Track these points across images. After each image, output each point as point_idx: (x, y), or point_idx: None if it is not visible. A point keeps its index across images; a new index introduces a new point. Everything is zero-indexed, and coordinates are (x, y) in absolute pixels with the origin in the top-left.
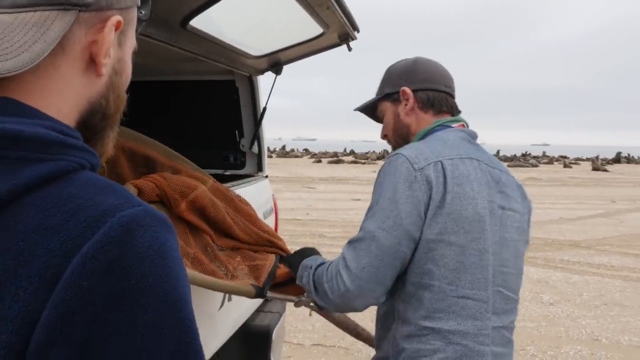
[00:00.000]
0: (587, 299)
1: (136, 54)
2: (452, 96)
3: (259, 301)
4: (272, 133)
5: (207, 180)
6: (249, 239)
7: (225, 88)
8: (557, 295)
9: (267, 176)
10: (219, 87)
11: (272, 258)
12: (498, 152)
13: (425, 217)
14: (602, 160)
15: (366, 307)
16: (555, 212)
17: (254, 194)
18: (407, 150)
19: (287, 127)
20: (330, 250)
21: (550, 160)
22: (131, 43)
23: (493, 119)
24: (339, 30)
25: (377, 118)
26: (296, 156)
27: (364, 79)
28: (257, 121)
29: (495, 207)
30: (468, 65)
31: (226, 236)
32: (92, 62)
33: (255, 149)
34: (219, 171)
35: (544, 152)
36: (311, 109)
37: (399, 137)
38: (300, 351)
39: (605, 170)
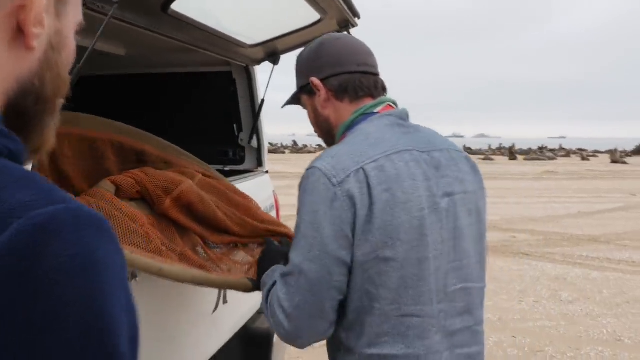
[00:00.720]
0: (608, 296)
1: (125, 45)
2: (372, 74)
3: (260, 303)
4: (286, 129)
5: (195, 174)
6: (244, 232)
7: (222, 80)
8: (576, 292)
9: (267, 171)
10: (215, 79)
11: (259, 251)
12: (513, 145)
13: (354, 237)
14: (621, 152)
15: (313, 342)
16: (573, 206)
17: (253, 190)
18: (323, 161)
19: (300, 123)
20: None
21: (568, 153)
22: (75, 16)
23: (508, 112)
24: (338, 17)
25: None
26: (309, 152)
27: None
28: (256, 114)
29: (438, 199)
30: (482, 58)
31: (221, 232)
32: (20, 33)
33: (254, 143)
34: (218, 167)
35: (560, 145)
36: None
37: (323, 132)
38: (309, 352)
39: (625, 163)
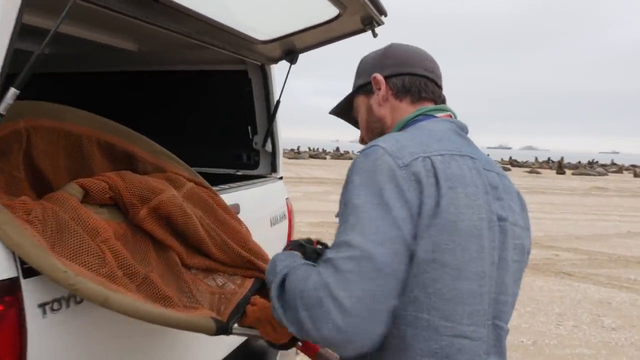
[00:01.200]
0: None
1: (136, 40)
2: (436, 83)
3: None
4: (330, 135)
5: (185, 183)
6: (224, 258)
7: (237, 79)
8: (620, 319)
9: (281, 177)
10: (229, 77)
11: (247, 285)
12: (562, 158)
13: (417, 228)
14: None
15: (358, 352)
16: (622, 225)
17: (265, 197)
18: (385, 141)
19: (345, 129)
20: None
21: (620, 169)
22: None
23: (558, 125)
24: (361, 13)
25: (354, 124)
26: (350, 158)
27: None
28: (271, 116)
29: (494, 218)
30: (532, 68)
31: (199, 253)
32: None
33: (269, 147)
34: (231, 171)
35: (612, 161)
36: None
37: (374, 135)
38: None
39: None
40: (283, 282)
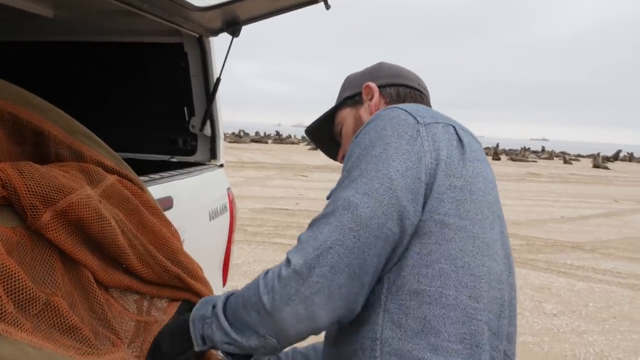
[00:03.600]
0: (594, 310)
1: (53, 4)
2: (427, 99)
3: None
4: (272, 119)
5: (105, 176)
6: (148, 274)
7: (171, 53)
8: (561, 304)
9: (222, 165)
10: (162, 51)
11: (170, 312)
12: (497, 145)
13: (431, 189)
14: (603, 157)
15: (331, 317)
16: (556, 211)
17: (203, 187)
18: (401, 105)
19: (287, 113)
20: None
21: (551, 156)
22: None
23: (492, 112)
24: None
25: (330, 145)
26: (292, 143)
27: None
28: (210, 96)
29: (497, 203)
30: (468, 58)
31: (117, 268)
32: None
33: (207, 130)
34: (165, 157)
35: (543, 147)
36: (312, 95)
37: None
38: None
39: (607, 168)
40: (224, 304)
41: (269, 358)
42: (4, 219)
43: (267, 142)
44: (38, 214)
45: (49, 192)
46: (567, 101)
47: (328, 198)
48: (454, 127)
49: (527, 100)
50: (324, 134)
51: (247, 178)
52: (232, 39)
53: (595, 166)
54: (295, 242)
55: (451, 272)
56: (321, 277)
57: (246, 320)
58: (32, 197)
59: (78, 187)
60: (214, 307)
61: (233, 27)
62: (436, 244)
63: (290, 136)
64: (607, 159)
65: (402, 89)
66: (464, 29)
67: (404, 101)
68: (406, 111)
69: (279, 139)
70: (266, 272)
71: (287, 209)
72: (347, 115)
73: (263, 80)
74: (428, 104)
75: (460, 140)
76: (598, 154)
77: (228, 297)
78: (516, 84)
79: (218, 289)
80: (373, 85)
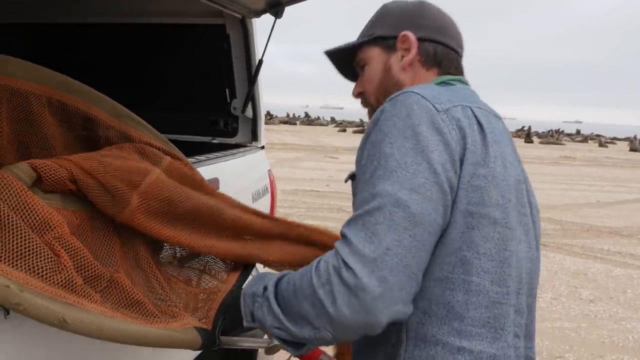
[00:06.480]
0: (632, 297)
1: None
2: (461, 62)
3: None
4: (300, 100)
5: (161, 157)
6: (223, 245)
7: (214, 34)
8: (597, 290)
9: (263, 147)
10: (205, 33)
11: (231, 280)
12: (530, 127)
13: (460, 178)
14: None
15: (391, 318)
16: (592, 195)
17: (247, 168)
18: (417, 88)
19: (315, 95)
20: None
21: (585, 139)
22: None
23: (524, 94)
24: None
25: (350, 72)
26: (321, 124)
27: None
28: (252, 78)
29: (524, 180)
30: (500, 39)
31: (206, 235)
32: None
33: (249, 112)
34: (206, 139)
35: (578, 130)
36: (339, 76)
37: (382, 98)
38: None
39: None
40: (275, 287)
41: None
42: (66, 202)
43: (295, 124)
44: (127, 198)
45: (130, 176)
46: (601, 82)
47: (347, 181)
48: (470, 108)
49: (560, 82)
50: (344, 59)
51: (277, 160)
52: (275, 20)
53: (632, 149)
54: (326, 223)
55: (473, 259)
56: (382, 282)
57: (299, 310)
58: (118, 183)
59: (150, 167)
60: (265, 288)
61: (276, 8)
62: (459, 232)
63: (319, 118)
64: None
65: (441, 48)
66: (493, 9)
67: (439, 64)
68: (423, 97)
69: (307, 120)
70: (317, 263)
71: (318, 191)
72: (375, 56)
73: (292, 62)
74: (461, 70)
75: (479, 122)
76: (635, 137)
77: (280, 278)
78: (548, 65)
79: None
80: (413, 38)
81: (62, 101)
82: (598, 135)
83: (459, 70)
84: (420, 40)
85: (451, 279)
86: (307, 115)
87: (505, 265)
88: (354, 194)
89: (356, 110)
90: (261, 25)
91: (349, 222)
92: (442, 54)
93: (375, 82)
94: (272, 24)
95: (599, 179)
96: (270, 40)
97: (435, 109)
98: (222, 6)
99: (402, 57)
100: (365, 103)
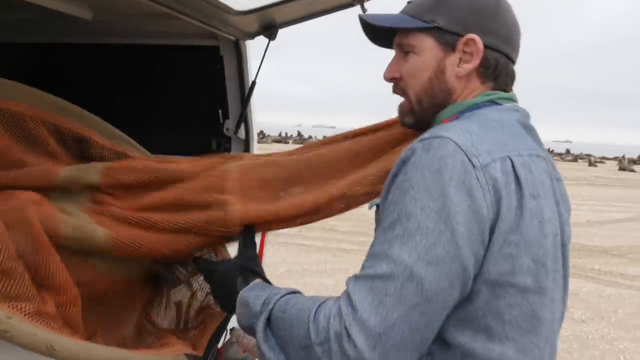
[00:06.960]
0: (624, 317)
1: (92, 7)
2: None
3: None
4: (292, 119)
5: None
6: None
7: (207, 56)
8: (589, 310)
9: None
10: (198, 54)
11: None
12: None
13: (489, 245)
14: (629, 159)
15: None
16: (582, 214)
17: None
18: (455, 133)
19: (307, 114)
20: (340, 246)
21: (575, 158)
22: None
23: None
24: None
25: (381, 37)
26: None
27: (384, 66)
28: (245, 99)
29: (558, 232)
30: None
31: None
32: None
33: (241, 133)
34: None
35: (567, 150)
36: (331, 95)
37: (425, 98)
38: None
39: (632, 171)
40: (269, 317)
41: None
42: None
43: (287, 142)
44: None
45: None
46: (591, 103)
47: (371, 208)
48: (510, 159)
49: (550, 103)
50: (383, 33)
51: None
52: (269, 42)
53: (621, 169)
54: (317, 243)
55: (497, 327)
56: (383, 357)
57: (294, 354)
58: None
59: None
60: (267, 303)
61: (270, 31)
62: (484, 301)
63: (311, 137)
64: (632, 161)
65: (504, 60)
66: None
67: (496, 79)
68: (460, 147)
69: (300, 139)
70: (317, 312)
71: None
72: (428, 48)
73: (283, 80)
74: (513, 82)
75: (517, 177)
76: (623, 157)
77: (280, 298)
78: (538, 84)
79: None
80: (480, 45)
81: (56, 123)
82: (588, 155)
83: (511, 85)
84: (485, 47)
85: (471, 348)
86: (299, 134)
87: (532, 334)
88: (377, 222)
89: (349, 129)
90: (254, 45)
91: (357, 279)
92: (502, 68)
93: (421, 79)
94: (265, 46)
95: (590, 198)
96: (256, 60)
97: (472, 163)
98: (216, 28)
99: (460, 61)
100: (399, 91)
